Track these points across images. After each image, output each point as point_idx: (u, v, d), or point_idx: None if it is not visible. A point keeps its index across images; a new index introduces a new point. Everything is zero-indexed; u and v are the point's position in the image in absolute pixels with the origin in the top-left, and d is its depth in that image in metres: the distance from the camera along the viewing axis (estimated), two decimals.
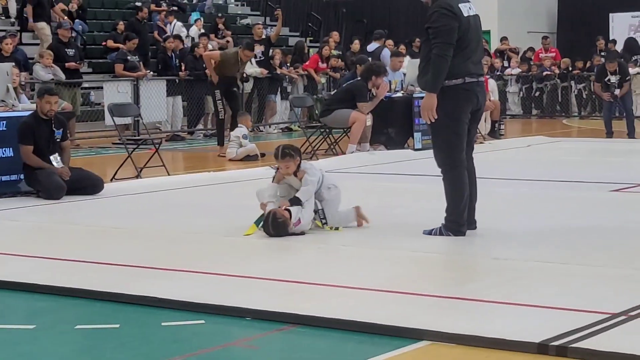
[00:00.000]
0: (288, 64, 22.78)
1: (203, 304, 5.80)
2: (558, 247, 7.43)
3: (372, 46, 22.06)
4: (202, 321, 5.58)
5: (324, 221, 8.28)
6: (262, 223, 8.14)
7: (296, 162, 8.24)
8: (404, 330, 5.18)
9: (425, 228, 8.00)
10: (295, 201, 8.13)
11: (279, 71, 21.89)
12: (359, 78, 16.04)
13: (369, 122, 15.71)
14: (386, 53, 20.79)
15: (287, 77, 22.36)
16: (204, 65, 20.46)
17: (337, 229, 8.30)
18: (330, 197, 8.35)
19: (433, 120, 7.76)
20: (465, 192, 7.85)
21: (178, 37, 21.86)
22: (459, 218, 7.85)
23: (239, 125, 15.87)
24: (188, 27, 25.45)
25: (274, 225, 7.99)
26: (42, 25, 21.11)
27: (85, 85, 20.61)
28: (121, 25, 22.92)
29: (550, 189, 10.97)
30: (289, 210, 8.05)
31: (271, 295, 6.04)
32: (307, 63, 23.02)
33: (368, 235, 8.13)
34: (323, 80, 22.92)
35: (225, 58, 16.49)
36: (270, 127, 21.86)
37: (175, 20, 24.33)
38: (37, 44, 21.57)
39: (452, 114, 7.78)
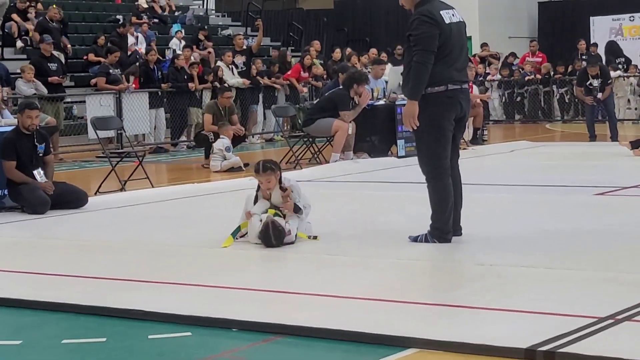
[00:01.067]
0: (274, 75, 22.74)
1: (189, 316, 5.78)
2: (543, 251, 7.43)
3: None
4: (189, 333, 5.56)
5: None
6: (239, 234, 8.20)
7: (277, 175, 8.24)
8: (391, 338, 5.17)
9: (411, 234, 8.00)
10: (297, 209, 8.18)
11: (260, 80, 21.86)
12: (341, 86, 16.04)
13: (351, 131, 15.72)
14: None
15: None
16: (186, 77, 20.53)
17: (315, 237, 8.30)
18: (304, 214, 8.36)
19: (415, 128, 7.77)
20: (450, 199, 7.85)
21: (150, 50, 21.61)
22: (444, 225, 7.85)
23: (220, 136, 15.85)
24: (169, 39, 25.42)
25: (276, 235, 7.97)
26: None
27: (68, 99, 20.54)
28: (102, 39, 22.87)
29: (534, 194, 10.99)
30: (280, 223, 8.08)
31: (257, 305, 6.03)
32: (288, 73, 23.00)
33: (353, 243, 8.12)
34: (305, 89, 22.91)
35: (212, 112, 16.48)
36: (253, 137, 21.83)
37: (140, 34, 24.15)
38: (19, 59, 21.47)
39: (435, 122, 7.77)
